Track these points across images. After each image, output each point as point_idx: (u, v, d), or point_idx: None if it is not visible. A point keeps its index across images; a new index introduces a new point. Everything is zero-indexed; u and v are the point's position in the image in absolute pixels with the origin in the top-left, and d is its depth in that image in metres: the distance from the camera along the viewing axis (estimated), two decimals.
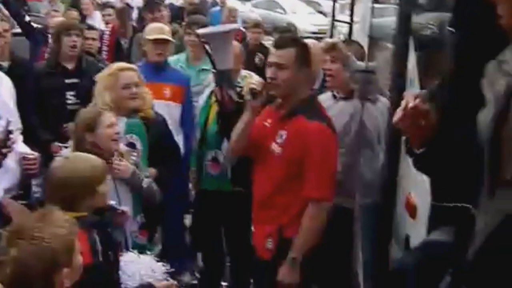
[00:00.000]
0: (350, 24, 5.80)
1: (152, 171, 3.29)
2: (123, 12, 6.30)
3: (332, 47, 3.27)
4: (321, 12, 18.93)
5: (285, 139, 2.73)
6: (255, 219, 2.93)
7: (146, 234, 3.00)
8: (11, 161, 2.87)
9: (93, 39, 4.84)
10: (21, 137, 3.24)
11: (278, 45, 2.87)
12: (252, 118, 2.86)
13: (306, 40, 3.76)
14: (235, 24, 3.87)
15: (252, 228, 2.95)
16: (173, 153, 3.55)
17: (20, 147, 3.07)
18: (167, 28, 4.13)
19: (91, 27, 5.24)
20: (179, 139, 3.83)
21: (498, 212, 1.37)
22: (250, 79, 3.55)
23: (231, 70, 3.30)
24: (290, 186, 2.73)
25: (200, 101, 3.79)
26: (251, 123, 2.86)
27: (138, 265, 2.34)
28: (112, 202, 2.58)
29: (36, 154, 2.86)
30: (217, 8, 9.94)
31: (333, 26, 6.96)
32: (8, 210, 2.86)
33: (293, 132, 2.72)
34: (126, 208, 2.71)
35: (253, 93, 2.85)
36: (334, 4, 7.49)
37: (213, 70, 3.28)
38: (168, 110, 3.81)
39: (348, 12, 6.09)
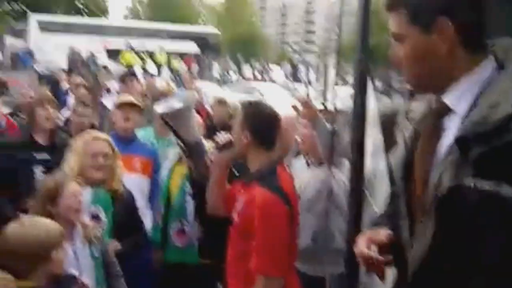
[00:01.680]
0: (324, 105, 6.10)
1: (116, 243, 3.21)
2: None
3: (306, 104, 3.32)
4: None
5: (241, 207, 2.57)
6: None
7: None
8: None
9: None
10: None
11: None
12: (219, 173, 2.77)
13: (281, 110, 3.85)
14: (190, 94, 3.87)
15: None
16: (137, 228, 3.47)
17: None
18: (134, 97, 4.16)
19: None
20: (148, 213, 3.76)
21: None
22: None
23: (199, 140, 3.30)
24: (246, 257, 2.51)
25: (163, 173, 3.76)
26: (219, 179, 2.78)
27: None
28: (74, 272, 2.49)
29: None
30: (182, 89, 9.98)
31: None
32: None
33: (247, 199, 2.55)
34: (87, 280, 2.60)
35: (217, 147, 2.73)
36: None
37: (181, 144, 3.27)
38: (138, 183, 3.78)
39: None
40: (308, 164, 3.48)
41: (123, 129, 3.89)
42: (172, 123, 3.16)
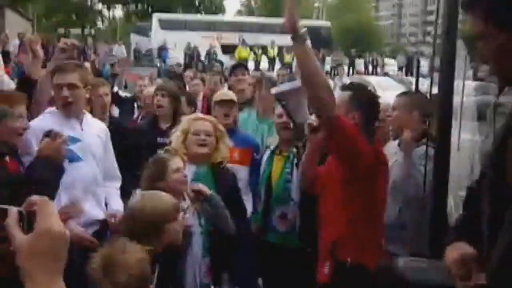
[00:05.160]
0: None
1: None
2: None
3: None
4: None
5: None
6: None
7: (211, 275, 3.06)
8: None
9: None
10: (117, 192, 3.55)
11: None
12: (312, 152, 2.97)
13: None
14: None
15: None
16: (239, 209, 3.51)
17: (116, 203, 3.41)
18: (231, 92, 4.33)
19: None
20: (247, 199, 3.90)
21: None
22: None
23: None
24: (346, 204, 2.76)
25: (264, 157, 3.86)
26: (312, 157, 2.98)
27: None
28: None
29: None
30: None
31: None
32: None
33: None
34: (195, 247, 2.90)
35: (312, 128, 2.89)
36: (417, 79, 7.66)
37: (291, 126, 3.41)
38: (236, 172, 3.90)
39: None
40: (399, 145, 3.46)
41: (223, 124, 3.97)
42: (284, 102, 3.30)
